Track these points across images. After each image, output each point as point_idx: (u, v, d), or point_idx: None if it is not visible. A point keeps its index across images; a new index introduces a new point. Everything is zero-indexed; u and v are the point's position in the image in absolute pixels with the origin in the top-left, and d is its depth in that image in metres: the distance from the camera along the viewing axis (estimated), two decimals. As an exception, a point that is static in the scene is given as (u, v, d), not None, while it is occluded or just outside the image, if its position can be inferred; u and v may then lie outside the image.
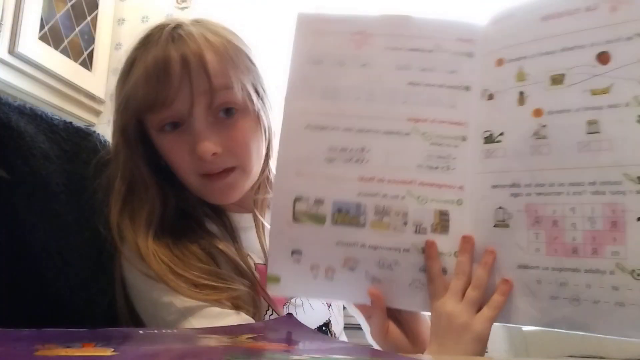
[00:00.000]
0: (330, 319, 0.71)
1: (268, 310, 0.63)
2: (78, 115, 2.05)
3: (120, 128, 0.64)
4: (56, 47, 1.85)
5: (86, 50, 2.04)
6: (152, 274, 0.58)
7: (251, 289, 0.61)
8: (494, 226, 0.54)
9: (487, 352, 0.55)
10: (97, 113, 2.17)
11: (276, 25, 2.03)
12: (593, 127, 0.50)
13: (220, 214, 0.68)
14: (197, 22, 0.65)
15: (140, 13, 2.24)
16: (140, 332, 0.45)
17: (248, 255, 0.65)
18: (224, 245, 0.64)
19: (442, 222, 0.55)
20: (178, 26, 0.63)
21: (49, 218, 0.61)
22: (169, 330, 0.51)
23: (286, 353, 0.37)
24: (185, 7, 2.20)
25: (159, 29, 0.63)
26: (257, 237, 0.67)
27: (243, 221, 0.69)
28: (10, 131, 0.60)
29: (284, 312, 0.64)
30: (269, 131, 0.68)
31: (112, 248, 0.62)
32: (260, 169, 0.68)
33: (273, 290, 0.57)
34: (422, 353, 0.58)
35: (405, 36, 0.58)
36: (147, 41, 0.63)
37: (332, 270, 0.56)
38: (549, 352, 0.90)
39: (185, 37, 0.61)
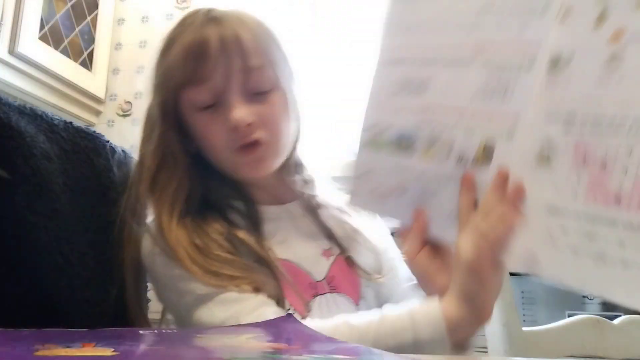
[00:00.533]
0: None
1: (290, 309, 0.63)
2: (78, 115, 2.05)
3: (159, 103, 0.66)
4: (56, 47, 1.85)
5: (86, 50, 2.04)
6: (171, 254, 0.60)
7: (274, 280, 0.61)
8: (535, 160, 0.48)
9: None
10: (97, 113, 2.17)
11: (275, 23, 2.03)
12: None
13: (248, 205, 0.68)
14: (229, 8, 0.68)
15: (140, 13, 2.24)
16: (141, 332, 0.45)
17: (269, 249, 0.65)
18: (244, 235, 0.64)
19: (486, 154, 0.52)
20: (213, 9, 0.66)
21: (50, 218, 0.61)
22: (168, 330, 0.51)
23: (286, 353, 0.37)
24: (186, 7, 2.20)
25: (195, 12, 0.66)
26: (287, 230, 0.68)
27: (272, 212, 0.69)
28: (10, 131, 0.60)
29: (310, 308, 0.64)
30: (298, 117, 0.70)
31: (124, 237, 0.64)
32: (288, 149, 0.69)
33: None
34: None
35: None
36: (184, 23, 0.66)
37: (386, 192, 0.59)
38: (549, 352, 0.90)
39: (222, 19, 0.64)
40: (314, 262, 0.67)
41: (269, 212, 0.69)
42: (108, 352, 0.30)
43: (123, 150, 0.77)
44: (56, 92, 1.91)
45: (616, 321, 0.90)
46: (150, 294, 0.76)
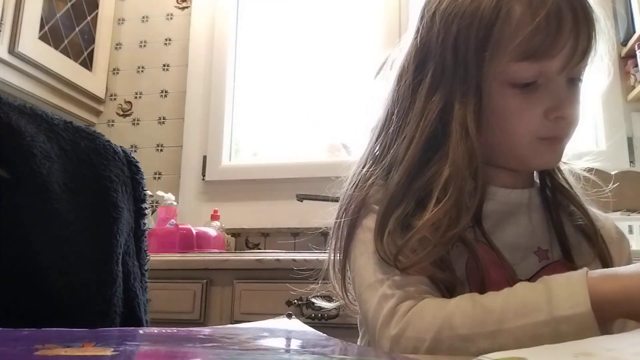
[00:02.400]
0: None
1: None
2: (78, 115, 2.05)
3: (480, 64, 0.55)
4: (56, 47, 1.85)
5: (86, 50, 2.04)
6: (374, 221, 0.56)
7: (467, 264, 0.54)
8: None
9: None
10: (97, 113, 2.17)
11: (273, 23, 2.02)
12: None
13: (478, 182, 0.57)
14: None
15: (140, 13, 2.24)
16: (140, 332, 0.45)
17: (470, 227, 0.56)
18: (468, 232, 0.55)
19: None
20: None
21: (50, 218, 0.61)
22: (169, 330, 0.51)
23: (287, 353, 0.37)
24: (186, 7, 2.20)
25: None
26: (506, 215, 0.59)
27: (500, 195, 0.60)
28: (10, 131, 0.60)
29: None
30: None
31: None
32: None
33: None
34: None
35: None
36: None
37: None
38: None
39: None
40: (521, 257, 0.57)
41: (498, 194, 0.60)
42: (108, 351, 0.30)
43: (123, 150, 0.77)
44: (56, 92, 1.91)
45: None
46: (151, 294, 0.75)
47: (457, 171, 0.54)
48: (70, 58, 1.94)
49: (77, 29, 1.98)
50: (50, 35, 1.83)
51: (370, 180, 0.60)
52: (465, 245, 0.54)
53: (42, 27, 1.78)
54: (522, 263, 0.56)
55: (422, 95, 0.58)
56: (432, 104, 0.57)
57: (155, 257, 1.27)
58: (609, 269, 0.47)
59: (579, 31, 0.53)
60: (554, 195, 0.63)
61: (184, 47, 2.16)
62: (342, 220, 0.60)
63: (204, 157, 2.06)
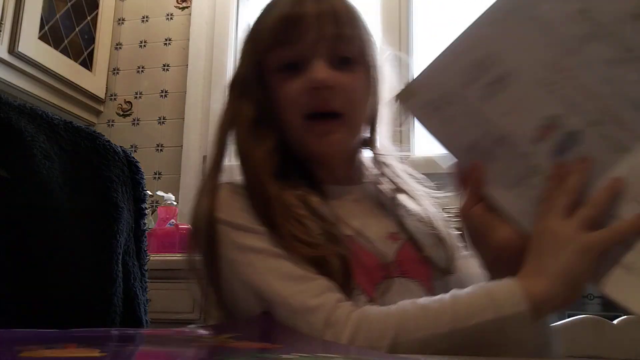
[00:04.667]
0: None
1: (356, 290, 0.58)
2: (78, 115, 2.05)
3: (251, 64, 0.65)
4: (56, 47, 1.85)
5: (86, 50, 2.04)
6: (240, 214, 0.57)
7: (340, 257, 0.57)
8: None
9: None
10: (97, 113, 2.17)
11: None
12: None
13: (312, 183, 0.64)
14: None
15: (140, 13, 2.24)
16: (115, 332, 0.44)
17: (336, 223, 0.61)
18: (318, 202, 0.60)
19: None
20: None
21: (49, 218, 0.61)
22: (146, 331, 0.51)
23: (276, 352, 0.37)
24: (186, 7, 2.20)
25: None
26: (349, 209, 0.64)
27: (335, 192, 0.65)
28: (10, 131, 0.60)
29: (375, 293, 0.60)
30: (378, 97, 0.68)
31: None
32: (361, 129, 0.67)
33: (403, 99, 0.57)
34: (498, 255, 0.55)
35: None
36: None
37: (454, 119, 0.54)
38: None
39: None
40: (380, 243, 0.62)
41: (332, 190, 0.65)
42: (95, 353, 0.30)
43: (123, 150, 0.77)
44: (56, 92, 1.91)
45: (616, 321, 0.90)
46: (151, 294, 0.75)
47: (256, 177, 0.60)
48: (70, 58, 1.94)
49: (77, 29, 1.98)
50: (50, 35, 1.83)
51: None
52: (336, 241, 0.57)
53: (42, 27, 1.78)
54: (383, 248, 0.62)
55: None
56: (246, 100, 0.64)
57: (155, 257, 1.27)
58: (537, 264, 0.50)
59: (323, 22, 0.61)
60: (380, 187, 0.69)
61: (184, 47, 2.16)
62: None
63: (204, 157, 2.06)
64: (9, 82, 1.68)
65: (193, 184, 2.06)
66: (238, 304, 0.56)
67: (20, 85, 1.73)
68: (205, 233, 0.58)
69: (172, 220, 1.77)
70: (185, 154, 2.07)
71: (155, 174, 2.08)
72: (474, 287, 0.51)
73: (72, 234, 0.62)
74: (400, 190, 0.69)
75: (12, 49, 1.64)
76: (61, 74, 1.87)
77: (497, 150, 0.53)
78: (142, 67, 2.19)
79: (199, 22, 2.17)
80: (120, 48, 2.23)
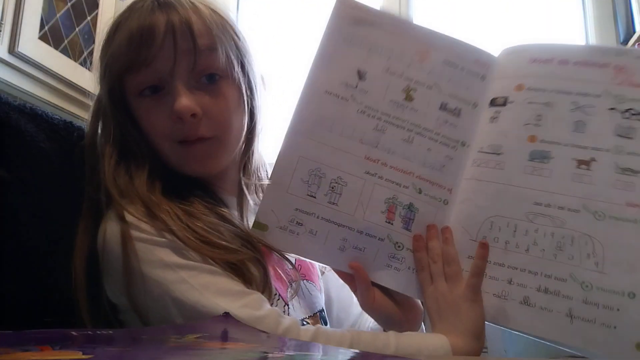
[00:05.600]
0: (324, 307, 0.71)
1: (275, 295, 0.61)
2: (78, 115, 2.04)
3: (107, 91, 0.62)
4: (56, 47, 1.85)
5: (86, 50, 2.04)
6: (155, 231, 0.54)
7: (258, 260, 0.58)
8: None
9: (486, 350, 0.57)
10: (97, 113, 2.17)
11: (269, 25, 2.02)
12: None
13: (209, 193, 0.65)
14: None
15: (141, 13, 2.24)
16: (74, 333, 0.44)
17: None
18: (227, 213, 0.61)
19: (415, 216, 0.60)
20: None
21: (48, 218, 0.61)
22: (118, 331, 0.50)
23: (264, 352, 0.37)
24: (186, 7, 2.20)
25: None
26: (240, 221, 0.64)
27: (228, 202, 0.66)
28: (10, 130, 0.60)
29: (292, 294, 0.63)
30: (253, 112, 0.67)
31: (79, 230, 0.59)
32: (238, 145, 0.66)
33: (260, 235, 0.59)
34: (416, 322, 0.61)
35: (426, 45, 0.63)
36: (132, 7, 0.63)
37: (314, 233, 0.58)
38: (548, 352, 0.89)
39: (171, 3, 0.60)
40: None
41: (230, 201, 0.66)
42: (78, 355, 0.30)
43: (123, 150, 0.77)
44: (56, 92, 1.90)
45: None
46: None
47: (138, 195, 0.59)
48: (70, 58, 1.93)
49: (77, 29, 1.98)
50: (50, 35, 1.83)
51: None
52: (252, 247, 0.59)
53: (42, 27, 1.77)
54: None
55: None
56: (109, 130, 0.63)
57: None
58: (445, 325, 0.56)
59: (177, 37, 0.58)
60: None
61: (184, 47, 2.16)
62: None
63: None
64: (9, 82, 1.68)
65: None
66: (166, 320, 0.54)
67: (20, 85, 1.73)
68: (121, 253, 0.55)
69: (172, 220, 1.76)
70: (185, 154, 2.07)
71: (155, 174, 2.07)
72: (412, 335, 0.57)
73: (71, 233, 0.62)
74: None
75: (12, 49, 1.64)
76: (61, 74, 1.87)
77: (362, 242, 0.59)
78: (142, 67, 2.19)
79: (199, 22, 2.16)
80: (120, 48, 2.22)
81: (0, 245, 0.58)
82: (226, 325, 0.47)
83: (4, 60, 1.62)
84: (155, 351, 0.35)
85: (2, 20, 1.59)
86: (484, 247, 0.57)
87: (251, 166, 0.70)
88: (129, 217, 0.56)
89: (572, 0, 1.95)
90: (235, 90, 0.63)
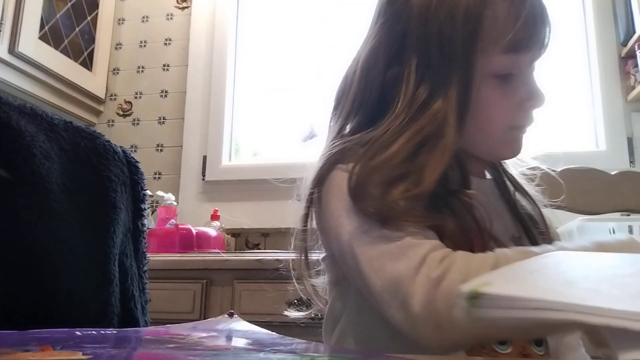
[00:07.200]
0: None
1: None
2: (78, 115, 2.05)
3: (466, 58, 0.56)
4: (56, 47, 1.85)
5: (86, 50, 2.04)
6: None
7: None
8: None
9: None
10: (97, 113, 2.17)
11: (270, 25, 2.01)
12: None
13: (463, 174, 0.61)
14: None
15: (140, 13, 2.24)
16: (78, 333, 0.44)
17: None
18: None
19: None
20: None
21: (49, 218, 0.61)
22: (118, 332, 0.50)
23: (259, 353, 0.37)
24: (186, 7, 2.20)
25: None
26: (482, 204, 0.59)
27: (475, 184, 0.61)
28: (10, 130, 0.60)
29: None
30: None
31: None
32: None
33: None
34: None
35: None
36: None
37: None
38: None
39: None
40: (504, 246, 0.58)
41: (473, 183, 0.62)
42: (78, 355, 0.30)
43: (123, 150, 0.77)
44: (56, 92, 1.91)
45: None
46: (151, 294, 0.75)
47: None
48: (70, 58, 1.94)
49: (77, 29, 1.98)
50: (50, 35, 1.83)
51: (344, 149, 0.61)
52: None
53: (42, 27, 1.78)
54: None
55: (408, 88, 0.58)
56: (418, 97, 0.57)
57: (155, 257, 1.27)
58: None
59: (546, 26, 0.58)
60: (505, 185, 0.67)
61: (184, 47, 2.16)
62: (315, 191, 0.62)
63: (204, 157, 2.06)
64: (9, 82, 1.69)
65: (193, 184, 2.06)
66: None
67: (20, 85, 1.74)
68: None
69: (172, 220, 1.77)
70: (185, 154, 2.07)
71: (155, 174, 2.08)
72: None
73: (70, 234, 0.62)
74: (518, 189, 0.67)
75: (12, 49, 1.64)
76: (61, 74, 1.87)
77: None
78: (142, 67, 2.19)
79: (199, 22, 2.17)
80: (120, 48, 2.23)
81: (2, 246, 0.58)
82: (229, 325, 0.47)
83: (4, 60, 1.62)
84: (156, 351, 0.36)
85: (2, 20, 1.59)
86: None
87: None
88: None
89: (572, 0, 1.95)
90: None
